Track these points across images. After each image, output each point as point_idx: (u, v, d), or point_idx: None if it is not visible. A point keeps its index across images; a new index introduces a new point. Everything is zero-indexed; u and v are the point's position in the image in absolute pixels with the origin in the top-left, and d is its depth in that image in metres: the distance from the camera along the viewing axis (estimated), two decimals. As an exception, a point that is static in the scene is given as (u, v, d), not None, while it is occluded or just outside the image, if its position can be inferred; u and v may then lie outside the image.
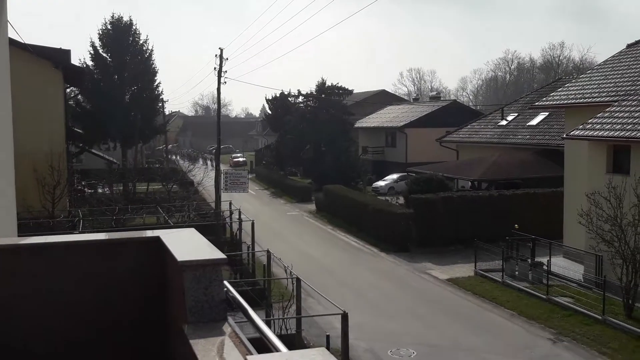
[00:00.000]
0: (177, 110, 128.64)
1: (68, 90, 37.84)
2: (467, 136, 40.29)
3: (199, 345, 3.38)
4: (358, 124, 57.28)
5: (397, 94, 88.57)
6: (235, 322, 3.91)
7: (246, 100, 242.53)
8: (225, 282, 4.03)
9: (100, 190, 39.12)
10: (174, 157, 73.85)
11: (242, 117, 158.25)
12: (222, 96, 36.66)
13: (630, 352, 16.07)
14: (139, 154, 52.26)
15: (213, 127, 34.85)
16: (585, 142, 22.30)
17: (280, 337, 14.87)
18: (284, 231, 34.10)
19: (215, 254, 4.08)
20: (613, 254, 18.35)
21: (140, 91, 46.85)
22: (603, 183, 19.23)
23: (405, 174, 41.77)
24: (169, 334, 4.39)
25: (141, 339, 4.58)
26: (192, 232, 4.95)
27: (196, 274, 3.88)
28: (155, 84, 48.62)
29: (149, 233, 5.08)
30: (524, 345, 16.73)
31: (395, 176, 47.05)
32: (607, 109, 22.21)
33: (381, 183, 47.24)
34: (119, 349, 4.62)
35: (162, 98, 53.46)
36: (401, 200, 35.71)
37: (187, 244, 4.55)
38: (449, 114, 50.05)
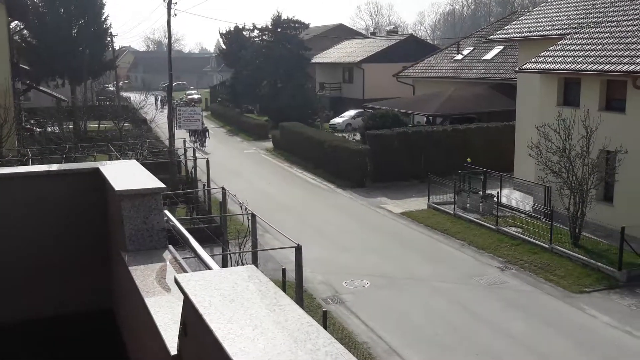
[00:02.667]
0: (127, 45, 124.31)
1: (12, 24, 36.05)
2: (423, 71, 40.27)
3: (137, 271, 3.35)
4: (315, 60, 56.55)
5: (355, 28, 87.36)
6: (183, 258, 3.88)
7: (200, 34, 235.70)
8: (166, 212, 3.98)
9: (49, 129, 38.00)
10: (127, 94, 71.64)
11: (196, 52, 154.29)
12: (174, 30, 35.62)
13: (575, 278, 16.80)
14: (88, 90, 50.71)
15: (165, 62, 33.86)
16: (537, 75, 22.55)
17: (236, 271, 14.93)
18: (241, 169, 33.95)
19: (154, 183, 4.01)
20: (561, 185, 18.89)
21: (87, 25, 45.07)
22: (553, 115, 19.56)
23: (363, 110, 41.69)
24: (110, 261, 4.35)
25: (84, 267, 4.54)
26: (132, 163, 4.85)
27: (135, 203, 3.81)
28: (103, 17, 46.80)
29: (89, 165, 4.96)
30: (473, 274, 17.31)
31: (352, 112, 46.91)
32: (560, 42, 22.40)
33: (338, 120, 47.08)
34: (62, 276, 4.58)
35: (111, 32, 51.56)
36: (358, 136, 35.83)
37: (126, 175, 4.46)
38: (406, 49, 49.79)
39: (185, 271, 3.25)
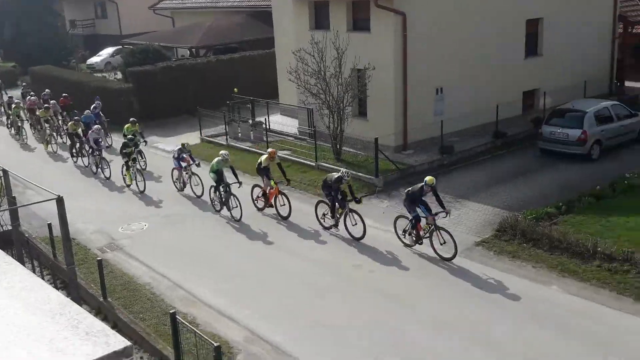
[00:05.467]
0: None
1: None
2: (180, 2, 39.01)
3: None
4: (61, -5, 51.68)
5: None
6: None
7: None
8: None
9: None
10: None
11: None
12: None
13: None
14: None
15: None
16: (290, 0, 23.09)
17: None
18: (-11, 122, 30.44)
19: None
20: (320, 106, 19.98)
21: None
22: (307, 39, 20.37)
23: (121, 47, 39.52)
24: None
25: None
26: None
27: None
28: None
29: None
30: (246, 200, 17.71)
31: (110, 50, 44.35)
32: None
33: (96, 59, 44.25)
34: None
35: None
36: (119, 75, 34.11)
37: None
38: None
39: None
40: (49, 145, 25.25)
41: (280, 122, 24.78)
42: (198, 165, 18.61)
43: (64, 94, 28.68)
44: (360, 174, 18.74)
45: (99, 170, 21.37)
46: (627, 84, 27.31)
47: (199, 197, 18.41)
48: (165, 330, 11.16)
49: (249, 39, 32.15)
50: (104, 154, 21.75)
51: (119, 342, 3.04)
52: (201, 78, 28.85)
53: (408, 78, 19.92)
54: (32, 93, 31.05)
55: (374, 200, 17.37)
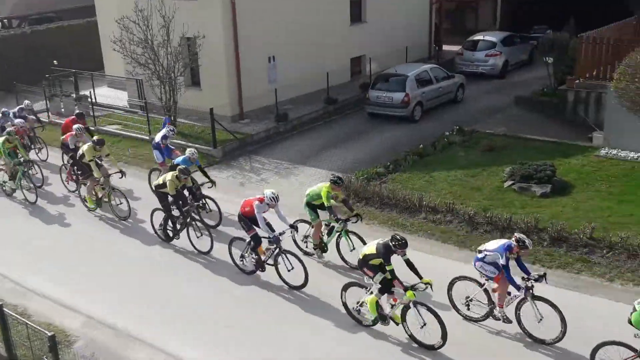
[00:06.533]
0: None
1: None
2: (-16, -33, 35.31)
3: None
4: None
5: None
6: None
7: None
8: None
9: None
10: None
11: None
12: None
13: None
14: None
15: None
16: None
17: None
18: None
19: None
20: (150, 76, 19.26)
21: None
22: (131, 7, 19.41)
23: None
24: None
25: None
26: None
27: None
28: None
29: None
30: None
31: None
32: None
33: None
34: None
35: None
36: None
37: None
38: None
39: None
40: (108, 204, 14.73)
41: (107, 95, 23.65)
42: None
43: (77, 112, 17.81)
44: (197, 145, 18.41)
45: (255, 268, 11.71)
46: (445, 47, 29.36)
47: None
48: (-8, 325, 10.33)
49: (68, 7, 30.10)
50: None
51: None
52: (16, 51, 26.60)
53: (239, 46, 19.79)
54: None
55: (214, 172, 17.19)
